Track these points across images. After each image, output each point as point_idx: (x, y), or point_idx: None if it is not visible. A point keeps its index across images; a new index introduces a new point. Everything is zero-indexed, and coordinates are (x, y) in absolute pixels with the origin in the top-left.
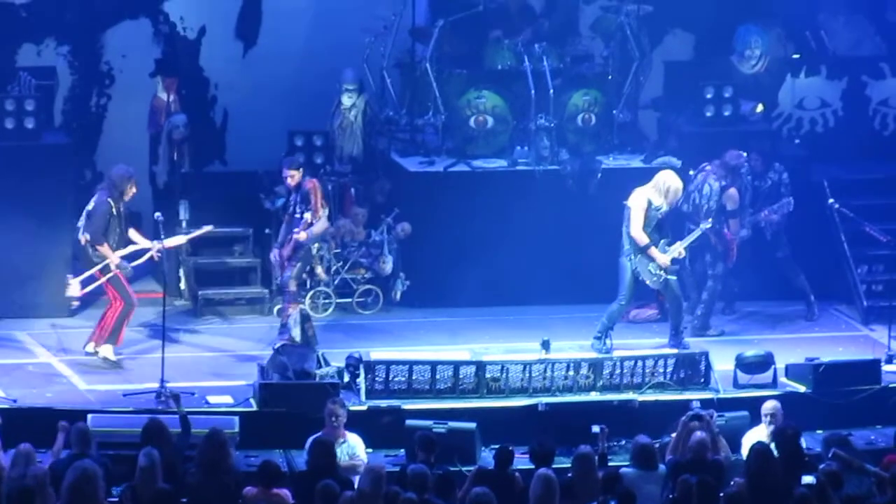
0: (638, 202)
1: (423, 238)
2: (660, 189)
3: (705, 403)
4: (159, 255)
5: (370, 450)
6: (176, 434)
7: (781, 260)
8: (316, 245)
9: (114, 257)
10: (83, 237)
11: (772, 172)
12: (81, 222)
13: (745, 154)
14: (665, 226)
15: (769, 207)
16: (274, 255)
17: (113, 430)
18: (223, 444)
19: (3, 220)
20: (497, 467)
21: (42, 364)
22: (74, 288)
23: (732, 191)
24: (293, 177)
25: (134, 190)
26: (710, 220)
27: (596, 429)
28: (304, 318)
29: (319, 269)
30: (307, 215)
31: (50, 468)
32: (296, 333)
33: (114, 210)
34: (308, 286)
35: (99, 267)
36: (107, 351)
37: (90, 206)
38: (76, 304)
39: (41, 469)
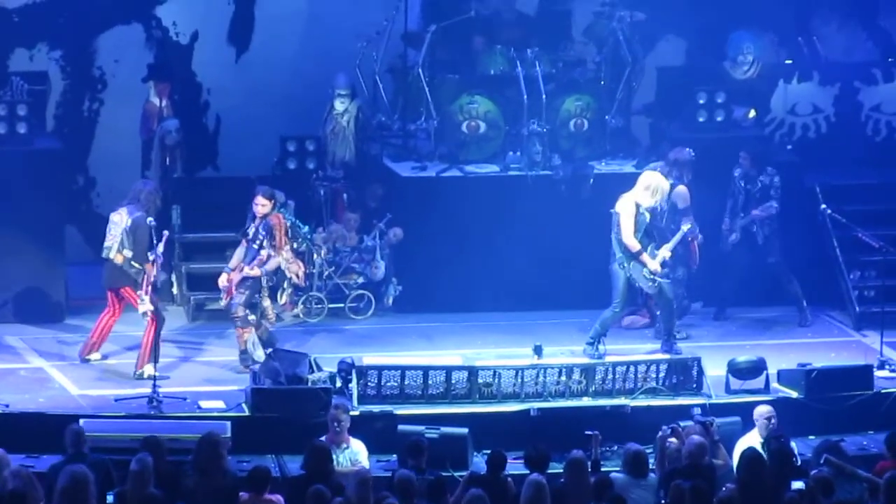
0: (627, 208)
1: (415, 243)
2: (650, 189)
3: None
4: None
5: None
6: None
7: (773, 266)
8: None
9: (152, 275)
10: (120, 255)
11: (763, 176)
12: (114, 241)
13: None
14: (652, 230)
15: (759, 208)
16: (223, 279)
17: (105, 436)
18: (216, 446)
19: None
20: (490, 472)
21: (34, 369)
22: (146, 304)
23: (681, 188)
24: (264, 206)
25: (159, 203)
26: (689, 222)
27: (590, 434)
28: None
29: (268, 304)
30: (263, 252)
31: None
32: (258, 355)
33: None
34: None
35: (150, 284)
36: (150, 369)
37: (126, 225)
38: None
39: (23, 470)
